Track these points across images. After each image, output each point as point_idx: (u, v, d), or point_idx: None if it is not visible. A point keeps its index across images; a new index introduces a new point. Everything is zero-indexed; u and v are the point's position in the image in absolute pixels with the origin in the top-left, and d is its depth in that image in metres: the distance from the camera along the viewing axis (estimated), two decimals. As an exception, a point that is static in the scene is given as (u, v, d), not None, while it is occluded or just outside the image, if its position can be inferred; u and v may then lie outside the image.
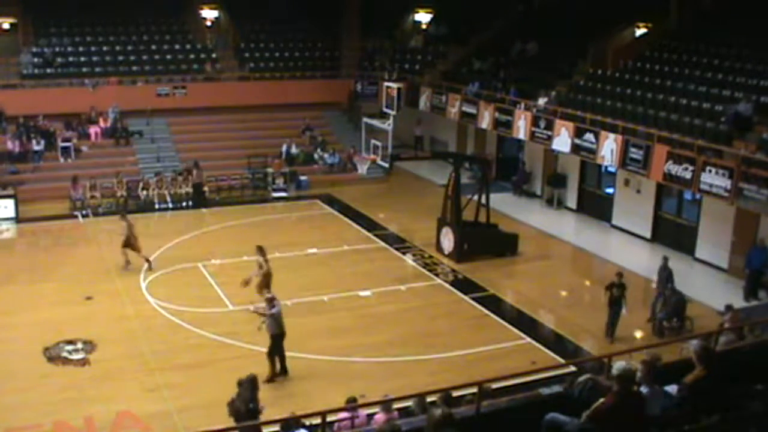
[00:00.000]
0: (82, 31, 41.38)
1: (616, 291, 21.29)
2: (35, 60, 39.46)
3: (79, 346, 20.36)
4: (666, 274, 22.80)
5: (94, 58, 40.28)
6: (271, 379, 18.52)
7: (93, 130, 37.51)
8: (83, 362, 19.68)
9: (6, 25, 40.16)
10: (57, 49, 40.05)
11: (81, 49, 40.59)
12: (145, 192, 33.97)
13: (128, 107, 38.41)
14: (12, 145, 35.37)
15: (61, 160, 35.82)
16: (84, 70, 39.50)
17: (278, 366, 18.96)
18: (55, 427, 16.70)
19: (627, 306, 21.38)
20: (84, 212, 32.50)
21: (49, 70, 39.07)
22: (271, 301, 19.03)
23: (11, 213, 31.40)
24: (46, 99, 37.34)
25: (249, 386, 15.12)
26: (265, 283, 22.82)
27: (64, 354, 19.96)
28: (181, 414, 17.25)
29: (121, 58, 40.70)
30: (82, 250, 28.34)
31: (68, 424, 16.81)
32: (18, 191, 32.63)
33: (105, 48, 40.96)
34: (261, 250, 23.07)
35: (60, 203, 32.71)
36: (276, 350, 18.86)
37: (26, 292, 24.25)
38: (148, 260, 26.29)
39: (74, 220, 31.85)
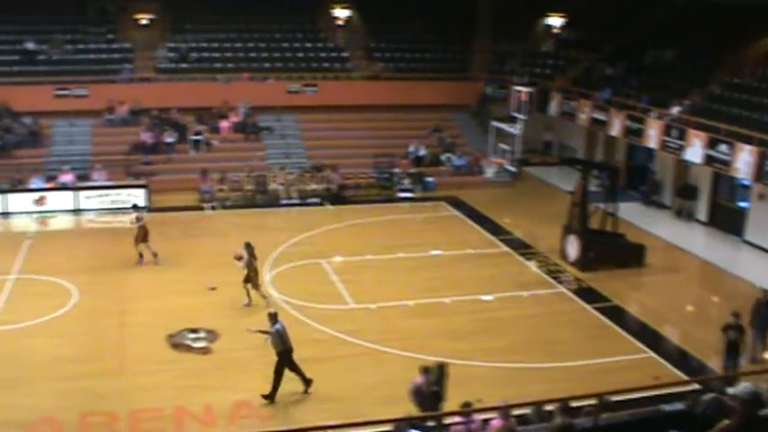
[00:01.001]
0: (216, 28, 42.29)
1: (734, 334, 19.37)
2: (171, 55, 40.58)
3: (202, 335, 20.73)
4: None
5: (227, 54, 41.13)
6: (270, 397, 17.67)
7: (224, 124, 38.27)
8: (205, 351, 20.02)
9: (145, 21, 41.35)
10: (192, 45, 41.07)
11: (215, 45, 41.51)
12: (272, 187, 34.40)
13: (259, 103, 39.09)
14: (146, 137, 36.39)
15: (192, 152, 36.69)
16: (217, 65, 40.40)
17: (301, 381, 18.24)
18: (176, 412, 17.03)
19: (748, 352, 19.87)
20: (212, 204, 33.17)
21: (183, 65, 40.12)
22: (273, 318, 18.30)
23: (142, 202, 32.28)
24: (179, 93, 38.36)
25: (438, 372, 15.47)
26: (252, 280, 22.90)
27: (187, 342, 20.35)
28: (298, 407, 17.32)
29: (253, 54, 41.43)
30: (208, 242, 28.90)
31: (188, 410, 17.10)
32: (150, 182, 33.60)
33: (238, 45, 41.77)
34: (249, 247, 23.02)
35: (189, 195, 33.53)
36: (285, 366, 17.94)
37: (154, 279, 24.88)
38: (155, 254, 26.56)
39: (202, 211, 32.60)
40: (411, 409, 14.85)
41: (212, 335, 20.75)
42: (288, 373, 17.79)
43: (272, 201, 33.98)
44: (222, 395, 17.66)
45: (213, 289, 23.83)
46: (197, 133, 37.13)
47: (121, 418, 16.88)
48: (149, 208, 32.29)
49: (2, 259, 26.66)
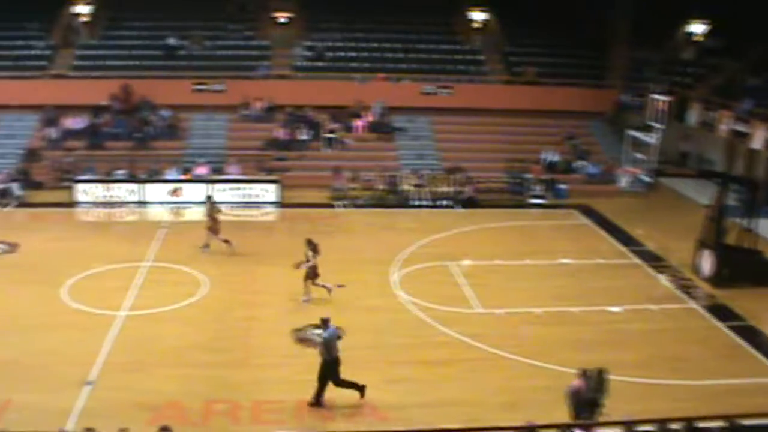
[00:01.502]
0: (353, 28, 42.59)
1: None
2: (307, 53, 41.05)
3: (327, 331, 20.69)
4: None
5: (363, 54, 41.34)
6: (316, 403, 17.22)
7: (357, 123, 38.44)
8: (329, 347, 19.97)
9: (283, 19, 41.92)
10: (328, 44, 41.43)
11: (351, 44, 41.81)
12: (403, 187, 34.32)
13: (393, 103, 39.13)
14: (280, 133, 36.88)
15: (325, 150, 36.96)
16: (353, 65, 40.65)
17: (356, 389, 17.60)
18: (297, 405, 17.04)
19: None
20: (343, 202, 33.32)
21: (319, 64, 40.52)
22: (325, 323, 17.65)
23: (274, 197, 32.73)
24: (314, 91, 38.76)
25: (598, 377, 15.19)
26: (312, 274, 22.91)
27: (312, 337, 20.33)
28: (418, 409, 17.08)
29: (389, 55, 41.52)
30: (338, 239, 28.96)
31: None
32: (282, 177, 33.97)
33: (374, 45, 41.94)
34: (310, 243, 22.99)
35: (320, 192, 33.76)
36: (329, 376, 17.29)
37: (281, 274, 24.96)
38: (227, 241, 27.02)
39: (333, 209, 32.76)
40: (532, 417, 14.44)
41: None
42: (411, 374, 17.58)
43: (403, 201, 33.91)
44: (342, 392, 17.53)
45: (341, 286, 23.80)
46: (331, 131, 37.40)
47: (244, 408, 17.00)
48: (281, 204, 32.69)
49: (137, 246, 27.40)
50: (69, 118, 37.96)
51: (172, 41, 40.68)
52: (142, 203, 33.10)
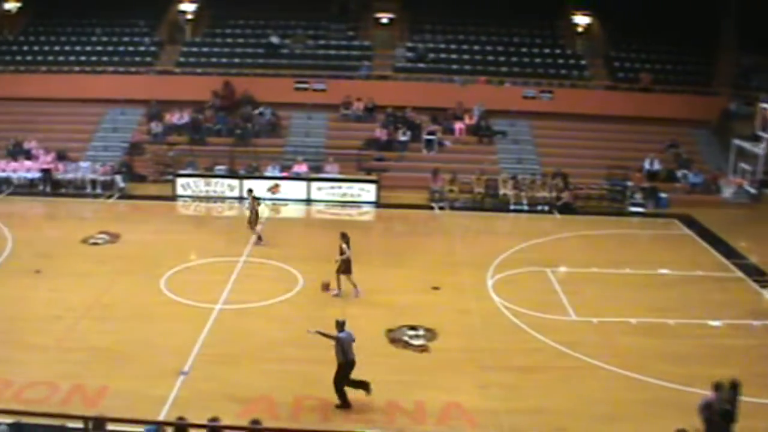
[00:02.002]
0: (454, 30, 42.39)
1: None
2: (408, 54, 41.02)
3: (421, 332, 20.59)
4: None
5: (464, 57, 41.12)
6: (342, 405, 17.12)
7: (458, 125, 38.23)
8: (422, 349, 19.86)
9: (385, 20, 41.99)
10: (430, 45, 41.36)
11: (452, 46, 41.62)
12: (502, 191, 34.00)
13: (493, 107, 38.81)
14: (380, 134, 36.93)
15: (424, 152, 36.86)
16: (454, 67, 40.47)
17: (361, 390, 17.38)
18: (387, 405, 16.95)
19: None
20: (440, 204, 33.15)
21: (420, 65, 40.43)
22: (341, 326, 17.40)
23: (372, 197, 32.80)
24: (415, 92, 38.70)
25: (731, 390, 14.94)
26: (345, 268, 23.02)
27: (405, 338, 20.26)
28: (508, 415, 16.82)
29: (490, 58, 41.21)
30: (435, 241, 28.88)
31: (399, 405, 16.99)
32: (381, 177, 34.01)
33: (475, 47, 41.68)
34: (344, 237, 23.24)
35: (418, 193, 33.64)
36: (342, 379, 17.21)
37: (378, 274, 25.01)
38: (259, 237, 27.68)
39: (430, 211, 32.64)
40: (628, 430, 14.09)
41: (431, 334, 20.57)
42: (503, 379, 17.33)
43: (501, 205, 33.57)
44: (434, 394, 17.43)
45: (436, 288, 23.67)
46: (431, 133, 37.29)
47: (331, 406, 17.00)
48: (378, 204, 32.74)
49: (235, 241, 27.75)
50: (172, 113, 38.71)
51: (274, 40, 41.15)
52: (241, 199, 33.51)
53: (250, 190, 29.72)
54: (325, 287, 23.43)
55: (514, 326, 21.39)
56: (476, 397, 17.52)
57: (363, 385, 17.38)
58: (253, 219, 28.25)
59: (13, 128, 38.43)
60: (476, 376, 18.34)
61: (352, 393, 17.22)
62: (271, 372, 18.40)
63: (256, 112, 38.41)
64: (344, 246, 23.24)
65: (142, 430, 14.38)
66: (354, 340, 17.50)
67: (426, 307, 22.28)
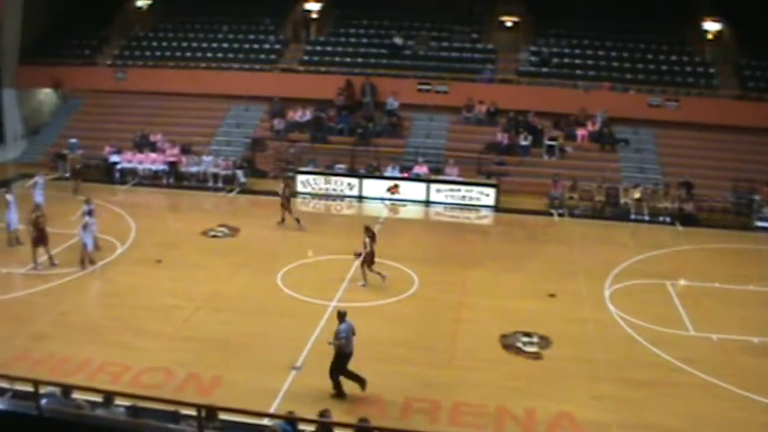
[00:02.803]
0: (579, 34, 41.83)
1: None
2: (532, 58, 40.69)
3: (535, 339, 20.44)
4: None
5: (589, 62, 40.54)
6: (337, 395, 17.45)
7: (580, 132, 37.75)
8: (535, 356, 19.72)
9: (509, 23, 41.77)
10: (554, 50, 40.94)
11: (577, 51, 41.09)
12: (623, 200, 33.42)
13: (617, 114, 38.13)
14: (501, 138, 36.77)
15: (545, 157, 36.55)
16: (578, 72, 39.94)
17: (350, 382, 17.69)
18: (497, 411, 16.89)
19: None
20: (560, 211, 32.80)
21: (544, 70, 40.06)
22: (341, 317, 17.75)
23: (491, 201, 32.73)
24: (537, 97, 38.39)
25: None
26: (368, 260, 23.68)
27: (519, 344, 20.15)
28: (620, 429, 16.54)
29: (615, 64, 40.49)
30: (552, 248, 28.62)
31: (510, 411, 16.92)
32: (501, 182, 33.86)
33: (600, 53, 41.02)
34: (368, 231, 23.90)
35: (538, 199, 33.36)
36: (337, 369, 17.54)
37: (493, 278, 24.97)
38: (298, 219, 29.41)
39: (549, 217, 32.33)
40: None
41: (545, 341, 20.40)
42: (616, 391, 17.07)
43: (621, 215, 32.94)
44: (545, 403, 17.29)
45: (552, 296, 23.48)
46: (552, 139, 36.94)
47: (444, 408, 17.02)
48: (497, 208, 32.63)
49: (353, 240, 27.84)
50: (294, 110, 39.36)
51: (398, 40, 41.40)
52: (359, 198, 33.87)
53: (286, 177, 31.19)
54: (357, 255, 24.13)
55: (630, 338, 21.02)
56: (588, 408, 17.30)
57: (359, 380, 17.58)
58: (286, 203, 29.48)
59: (141, 121, 39.95)
60: (589, 387, 18.11)
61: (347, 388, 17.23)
62: (383, 372, 18.52)
63: (387, 101, 38.67)
64: (367, 240, 23.80)
65: (254, 421, 14.74)
66: (354, 333, 17.72)
67: (541, 314, 22.10)
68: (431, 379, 18.25)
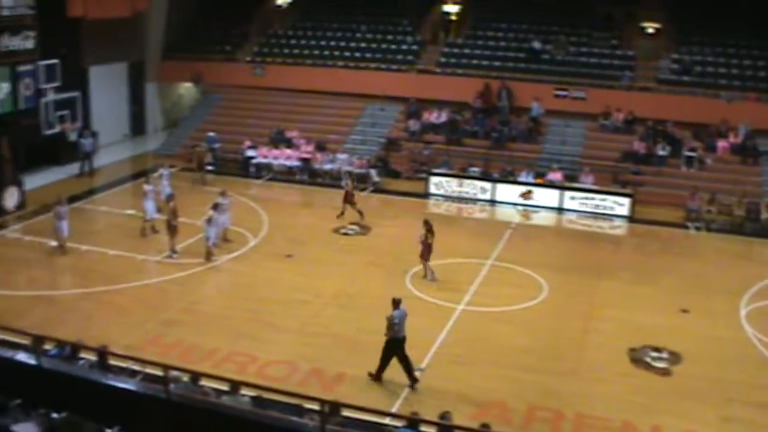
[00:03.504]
0: (724, 42, 40.47)
1: None
2: (673, 66, 39.65)
3: (665, 355, 20.01)
4: None
5: (733, 71, 39.17)
6: (376, 377, 18.06)
7: (720, 143, 36.58)
8: (664, 372, 19.31)
9: (651, 30, 40.87)
10: (697, 58, 39.79)
11: (721, 60, 39.76)
12: (765, 216, 32.24)
13: (762, 126, 36.77)
14: (638, 147, 36.02)
15: (684, 168, 35.57)
16: (721, 81, 38.65)
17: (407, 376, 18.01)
18: (623, 426, 16.67)
19: None
20: (696, 225, 31.85)
21: (685, 78, 38.96)
22: (396, 304, 18.19)
23: (626, 211, 32.12)
24: (677, 106, 37.35)
25: None
26: (426, 252, 24.30)
27: (648, 359, 19.78)
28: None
29: (762, 74, 39.05)
30: (687, 262, 27.89)
31: (636, 427, 16.66)
32: (636, 192, 33.19)
33: (746, 62, 39.55)
34: (427, 224, 24.54)
35: (674, 211, 32.45)
36: (392, 353, 17.95)
37: (624, 290, 24.52)
38: (360, 212, 30.08)
39: (685, 230, 31.42)
40: None
41: (675, 357, 19.92)
42: (748, 415, 16.55)
43: (762, 231, 31.66)
44: (672, 421, 16.92)
45: (685, 311, 22.91)
46: (691, 150, 35.92)
47: (567, 419, 16.90)
48: (631, 219, 32.01)
49: (484, 244, 28.02)
50: (430, 112, 39.52)
51: (536, 45, 41.06)
52: (492, 202, 33.75)
53: (348, 172, 32.17)
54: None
55: (766, 361, 20.34)
56: (716, 430, 16.89)
57: (411, 377, 17.91)
58: (351, 198, 29.96)
59: (277, 117, 40.80)
60: (719, 408, 17.63)
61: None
62: (508, 378, 18.51)
63: (531, 107, 38.42)
64: (425, 233, 24.43)
65: (376, 419, 14.93)
66: (404, 318, 18.01)
67: (672, 330, 21.58)
68: (556, 389, 18.12)
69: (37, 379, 10.45)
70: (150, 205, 27.79)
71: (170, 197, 27.50)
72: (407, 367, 18.02)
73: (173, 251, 25.89)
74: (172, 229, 25.79)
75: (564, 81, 39.29)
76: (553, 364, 19.41)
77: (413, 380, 18.00)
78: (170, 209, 26.02)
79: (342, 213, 30.40)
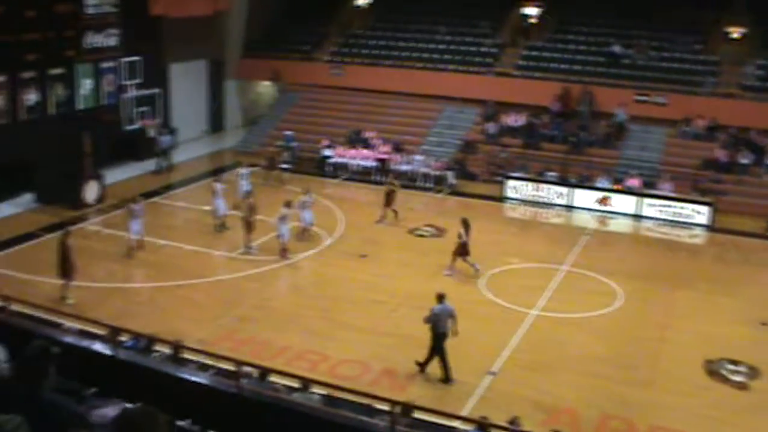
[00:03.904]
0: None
1: None
2: (759, 72, 38.73)
3: (742, 369, 19.55)
4: None
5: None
6: (421, 369, 18.58)
7: (806, 153, 35.73)
8: (741, 386, 18.88)
9: (735, 35, 40.00)
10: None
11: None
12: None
13: None
14: (720, 154, 35.30)
15: (766, 177, 34.77)
16: (807, 89, 37.72)
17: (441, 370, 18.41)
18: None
19: None
20: (777, 235, 31.12)
21: (769, 85, 38.12)
22: (439, 298, 18.55)
23: (705, 220, 31.51)
24: (761, 113, 36.43)
25: None
26: (461, 251, 24.70)
27: (724, 372, 19.36)
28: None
29: None
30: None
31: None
32: (717, 200, 32.52)
33: (835, 69, 38.58)
34: (464, 222, 24.86)
35: (755, 221, 31.67)
36: (436, 349, 18.38)
37: (702, 300, 24.06)
38: (395, 212, 30.11)
39: (766, 241, 30.65)
40: None
41: (753, 372, 19.43)
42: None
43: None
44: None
45: (765, 324, 22.37)
46: (776, 158, 35.18)
47: (639, 430, 16.66)
48: (711, 228, 31.37)
49: (559, 249, 27.76)
50: (508, 115, 39.31)
51: (616, 49, 40.51)
52: (568, 207, 33.43)
53: (388, 173, 31.98)
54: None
55: None
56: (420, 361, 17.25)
57: (446, 372, 18.25)
58: (390, 199, 29.87)
59: (355, 117, 41.05)
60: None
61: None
62: (581, 386, 18.34)
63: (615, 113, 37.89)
64: (462, 231, 24.74)
65: (446, 422, 14.93)
66: (451, 315, 18.39)
67: (751, 343, 21.05)
68: (629, 398, 17.89)
69: (113, 369, 10.71)
70: (220, 203, 28.19)
71: (248, 194, 27.89)
72: (445, 364, 18.40)
73: (249, 247, 26.25)
74: (249, 226, 26.14)
75: (644, 86, 38.70)
76: (627, 373, 19.15)
77: (447, 379, 18.31)
78: (248, 205, 26.39)
79: (395, 213, 30.40)
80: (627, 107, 37.89)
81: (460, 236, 24.81)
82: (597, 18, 42.81)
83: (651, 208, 32.46)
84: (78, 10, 32.90)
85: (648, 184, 33.86)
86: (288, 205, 26.29)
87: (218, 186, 28.48)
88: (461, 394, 17.62)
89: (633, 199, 32.81)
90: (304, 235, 27.56)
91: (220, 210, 28.24)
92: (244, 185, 30.34)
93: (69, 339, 11.84)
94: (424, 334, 19.77)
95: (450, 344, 18.51)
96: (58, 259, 21.84)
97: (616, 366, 19.45)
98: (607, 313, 22.65)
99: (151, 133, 37.37)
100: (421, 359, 18.45)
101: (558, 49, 42.02)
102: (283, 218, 25.66)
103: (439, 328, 18.25)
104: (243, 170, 31.57)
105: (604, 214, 32.77)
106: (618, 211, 32.78)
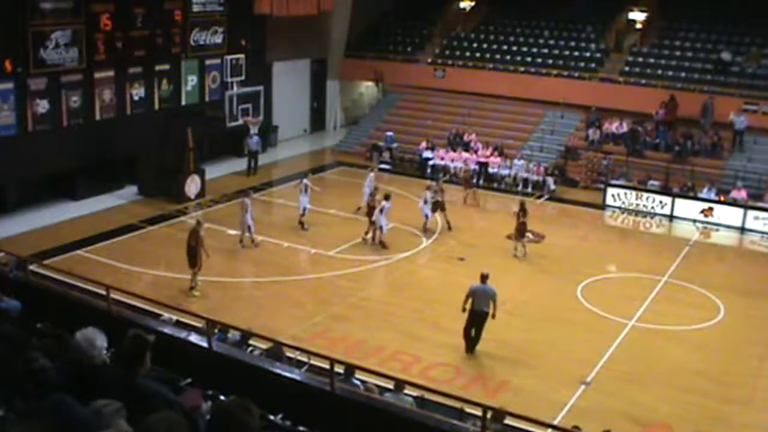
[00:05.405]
0: None
1: None
2: None
3: None
4: None
5: None
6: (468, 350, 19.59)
7: None
8: None
9: None
10: None
11: None
12: None
13: None
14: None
15: None
16: None
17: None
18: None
19: None
20: None
21: None
22: (483, 279, 19.38)
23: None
24: None
25: None
26: (520, 232, 26.41)
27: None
28: None
29: None
30: None
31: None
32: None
33: None
34: (521, 205, 26.56)
35: None
36: (475, 323, 19.44)
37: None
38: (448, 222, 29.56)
39: None
40: None
41: None
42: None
43: None
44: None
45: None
46: None
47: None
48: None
49: (659, 260, 27.19)
50: (611, 121, 38.70)
51: (725, 56, 39.45)
52: (670, 217, 32.72)
53: (434, 178, 32.72)
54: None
55: None
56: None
57: (470, 343, 19.57)
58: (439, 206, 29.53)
59: (456, 120, 41.03)
60: None
61: None
62: (677, 400, 17.96)
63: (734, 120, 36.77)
64: (519, 212, 26.43)
65: (537, 430, 14.78)
66: (487, 294, 19.28)
67: None
68: (726, 416, 17.46)
69: (208, 361, 10.93)
70: (304, 199, 28.50)
71: (374, 192, 28.10)
72: (473, 339, 19.60)
73: (371, 240, 27.17)
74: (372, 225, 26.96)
75: (753, 95, 37.59)
76: (726, 390, 18.67)
77: (469, 349, 19.66)
78: (373, 202, 27.16)
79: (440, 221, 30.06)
80: (747, 115, 36.62)
81: (518, 217, 26.33)
82: (706, 24, 41.79)
83: (757, 221, 31.47)
84: (185, 7, 33.84)
85: (754, 196, 32.89)
86: (387, 198, 26.48)
87: (305, 182, 28.73)
88: (554, 403, 17.41)
89: (738, 211, 31.88)
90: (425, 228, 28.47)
91: (303, 205, 28.55)
92: (368, 186, 30.24)
93: (167, 329, 12.14)
94: (519, 341, 19.74)
95: (543, 353, 18.35)
96: (187, 249, 22.42)
97: (713, 382, 18.99)
98: (706, 327, 22.08)
99: (254, 130, 37.77)
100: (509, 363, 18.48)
101: (664, 55, 41.11)
102: (381, 210, 25.96)
103: (475, 305, 19.15)
104: (371, 173, 31.37)
105: (707, 225, 31.96)
106: (722, 222, 31.89)
